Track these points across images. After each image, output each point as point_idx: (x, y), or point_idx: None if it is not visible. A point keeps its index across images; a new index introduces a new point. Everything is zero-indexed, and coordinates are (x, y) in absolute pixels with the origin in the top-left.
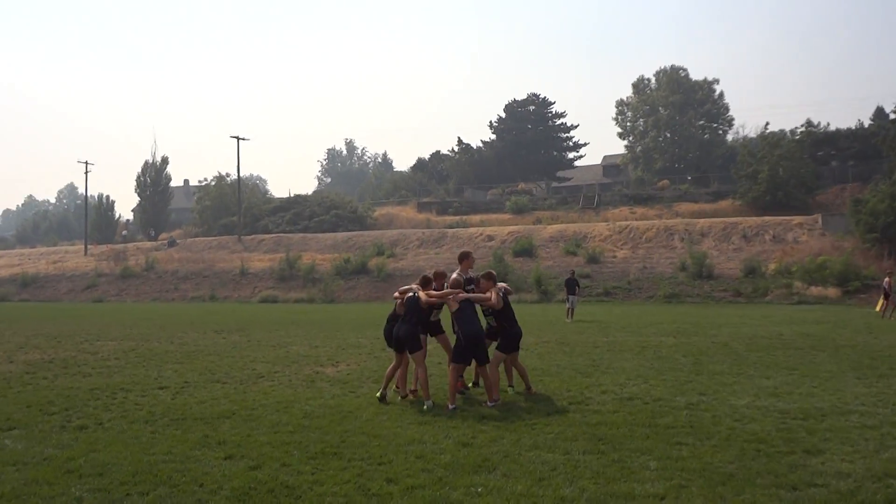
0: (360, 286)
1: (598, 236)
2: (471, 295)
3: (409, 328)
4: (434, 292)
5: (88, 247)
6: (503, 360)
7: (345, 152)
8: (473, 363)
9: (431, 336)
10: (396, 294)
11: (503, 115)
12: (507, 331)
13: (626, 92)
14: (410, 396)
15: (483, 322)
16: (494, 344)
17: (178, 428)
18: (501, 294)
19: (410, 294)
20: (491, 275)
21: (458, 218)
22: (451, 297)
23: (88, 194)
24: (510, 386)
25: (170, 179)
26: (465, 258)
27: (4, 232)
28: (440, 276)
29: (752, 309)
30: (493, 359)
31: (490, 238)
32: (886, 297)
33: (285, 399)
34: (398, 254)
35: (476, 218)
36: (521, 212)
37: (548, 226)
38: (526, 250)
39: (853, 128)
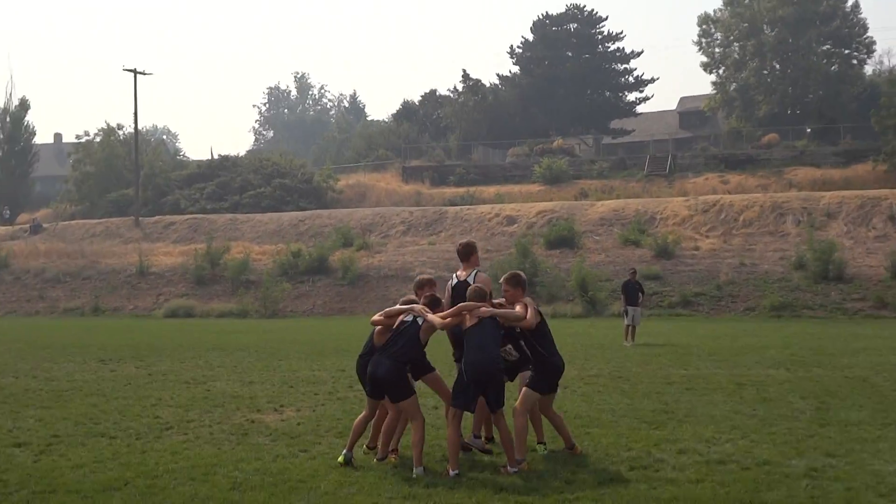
0: (317, 293)
1: (673, 218)
2: (498, 311)
3: (392, 366)
4: (450, 311)
5: None
6: (535, 403)
7: (294, 93)
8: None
9: (414, 378)
10: (378, 318)
11: (530, 37)
12: (543, 362)
13: (714, 4)
14: (391, 458)
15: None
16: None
17: None
18: (536, 309)
19: (407, 318)
20: (518, 278)
21: (462, 190)
22: (470, 311)
23: None
24: (540, 443)
25: (33, 134)
26: (470, 254)
27: None
28: (427, 285)
29: None
30: (521, 401)
31: (511, 220)
32: None
33: (204, 461)
34: (374, 244)
35: (490, 190)
36: (556, 181)
37: (597, 202)
38: (564, 239)
39: None
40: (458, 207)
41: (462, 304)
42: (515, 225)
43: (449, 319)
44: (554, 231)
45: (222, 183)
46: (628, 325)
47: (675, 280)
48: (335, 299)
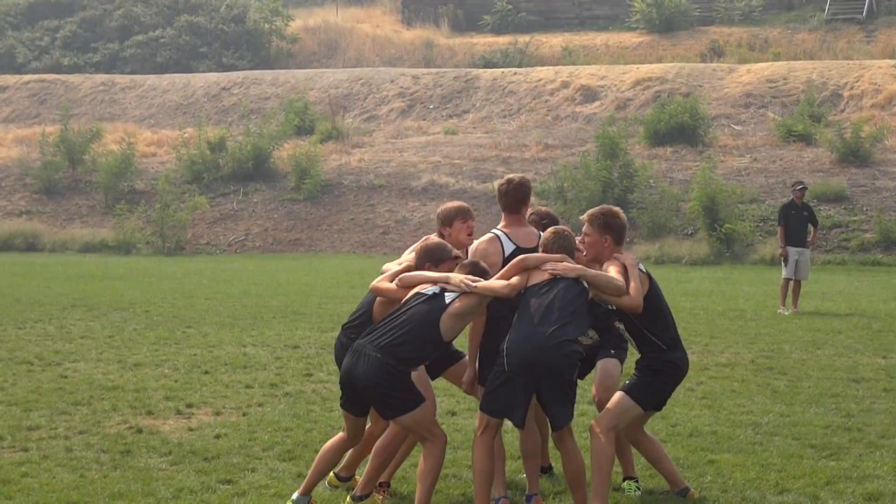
0: (252, 214)
1: (872, 95)
2: (589, 271)
3: (379, 364)
4: (512, 266)
5: None
6: (631, 421)
7: None
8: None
9: (434, 373)
10: (385, 284)
11: None
12: (657, 357)
13: None
14: (377, 498)
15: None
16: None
17: None
18: (644, 272)
19: (427, 289)
20: (611, 218)
21: (506, 41)
22: (553, 266)
23: None
24: (629, 478)
25: None
26: (524, 200)
27: None
28: (462, 218)
29: None
30: (611, 415)
31: (589, 95)
32: None
33: (56, 499)
34: (352, 132)
35: (554, 41)
36: (670, 27)
37: (739, 66)
38: (681, 130)
39: None
40: (497, 71)
41: (531, 255)
42: (597, 103)
43: (516, 281)
44: (664, 115)
45: (88, 20)
46: (788, 280)
47: (871, 204)
48: (283, 225)
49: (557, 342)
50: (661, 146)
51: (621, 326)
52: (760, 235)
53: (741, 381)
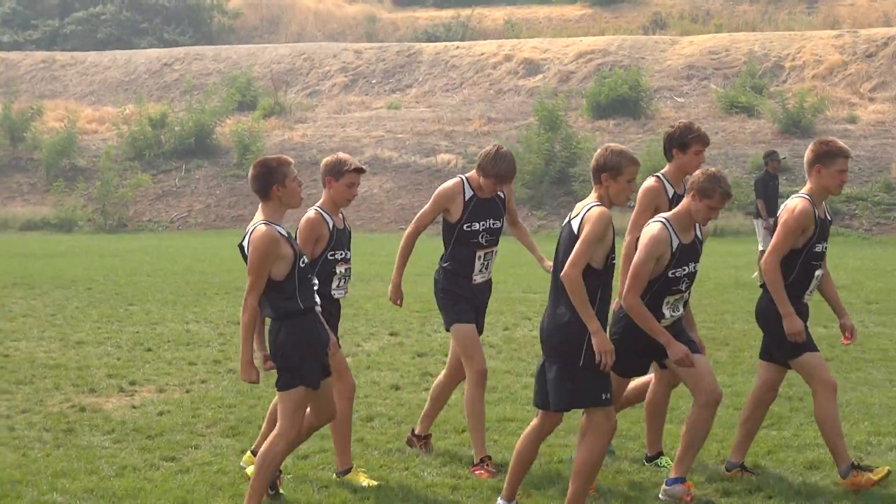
0: (195, 190)
1: (813, 66)
2: None
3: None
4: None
5: None
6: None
7: None
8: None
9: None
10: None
11: None
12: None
13: None
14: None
15: None
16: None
17: None
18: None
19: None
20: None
21: (449, 15)
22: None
23: None
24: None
25: None
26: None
27: None
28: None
29: None
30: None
31: (532, 68)
32: None
33: None
34: (294, 107)
35: (497, 15)
36: (612, 1)
37: (681, 38)
38: (624, 103)
39: None
40: (440, 45)
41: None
42: (539, 76)
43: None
44: (605, 88)
45: None
46: (763, 252)
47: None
48: (226, 202)
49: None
50: (603, 119)
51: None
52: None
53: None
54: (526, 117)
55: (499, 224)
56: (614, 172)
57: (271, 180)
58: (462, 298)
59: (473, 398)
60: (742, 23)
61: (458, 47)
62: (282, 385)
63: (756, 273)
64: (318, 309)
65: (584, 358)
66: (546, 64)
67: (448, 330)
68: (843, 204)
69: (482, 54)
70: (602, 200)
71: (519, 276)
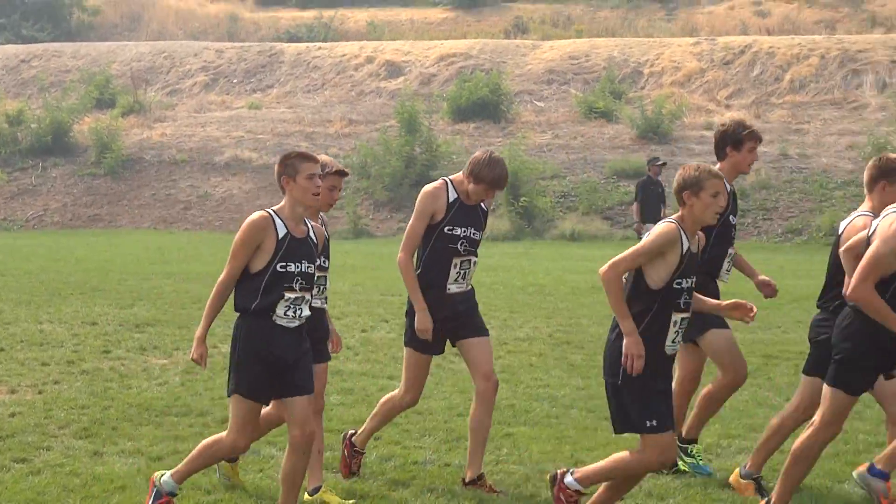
0: (51, 189)
1: (672, 72)
2: None
3: None
4: None
5: None
6: None
7: None
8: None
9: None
10: None
11: None
12: None
13: None
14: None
15: None
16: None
17: None
18: None
19: None
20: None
21: (311, 16)
22: None
23: None
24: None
25: None
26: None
27: None
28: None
29: None
30: None
31: (393, 70)
32: None
33: None
34: (154, 106)
35: (359, 17)
36: (475, 4)
37: (542, 42)
38: (484, 106)
39: None
40: (301, 45)
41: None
42: (401, 78)
43: None
44: (466, 91)
45: None
46: None
47: (668, 181)
48: (83, 201)
49: None
50: (464, 122)
51: None
52: (561, 211)
53: (539, 356)
54: (387, 119)
55: (479, 235)
56: (696, 189)
57: (281, 171)
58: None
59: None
60: (603, 29)
61: (319, 48)
62: (228, 388)
63: None
64: (294, 323)
65: (621, 377)
66: (408, 66)
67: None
68: None
69: (344, 56)
70: (684, 220)
71: (377, 279)
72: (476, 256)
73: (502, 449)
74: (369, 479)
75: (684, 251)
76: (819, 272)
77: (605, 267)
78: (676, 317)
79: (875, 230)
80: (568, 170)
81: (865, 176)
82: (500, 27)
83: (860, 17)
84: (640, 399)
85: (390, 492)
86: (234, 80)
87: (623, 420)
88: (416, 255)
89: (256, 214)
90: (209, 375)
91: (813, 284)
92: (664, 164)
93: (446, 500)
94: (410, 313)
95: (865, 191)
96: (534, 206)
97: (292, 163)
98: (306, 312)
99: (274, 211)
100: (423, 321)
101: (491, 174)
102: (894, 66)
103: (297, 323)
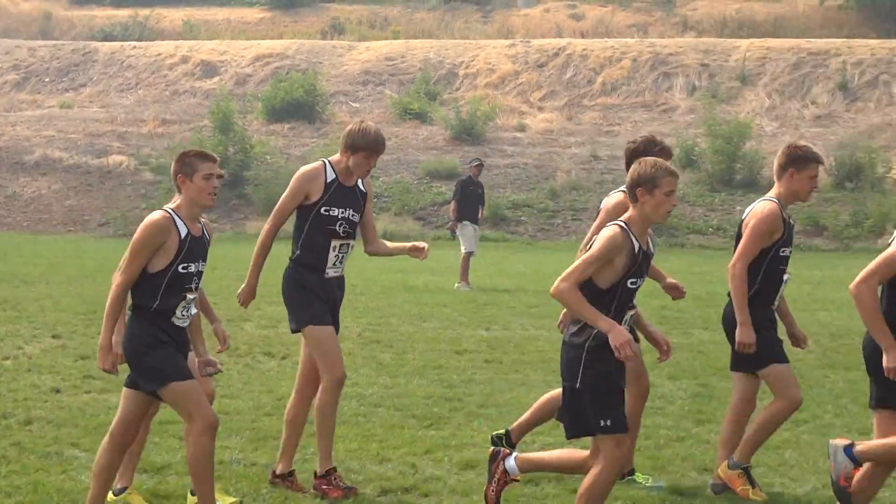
0: None
1: (486, 74)
2: None
3: None
4: None
5: None
6: None
7: None
8: None
9: None
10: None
11: None
12: None
13: None
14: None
15: None
16: None
17: None
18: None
19: None
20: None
21: (126, 14)
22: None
23: None
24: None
25: None
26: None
27: None
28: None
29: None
30: None
31: (208, 70)
32: None
33: None
34: None
35: (175, 16)
36: (292, 5)
37: (358, 43)
38: (300, 107)
39: None
40: (116, 44)
41: None
42: (216, 78)
43: None
44: (282, 91)
45: None
46: (470, 254)
47: (488, 181)
48: None
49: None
50: (278, 122)
51: None
52: (375, 211)
53: (348, 354)
54: (201, 119)
55: (357, 217)
56: (650, 186)
57: (178, 170)
58: (316, 297)
59: (326, 405)
60: (419, 30)
61: (134, 47)
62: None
63: (464, 283)
64: (186, 322)
65: (580, 380)
66: (223, 66)
67: (297, 331)
68: (510, 210)
69: (159, 55)
70: (631, 220)
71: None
72: (354, 240)
73: (308, 449)
74: (174, 479)
75: (636, 251)
76: None
77: (557, 282)
78: (628, 315)
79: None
80: (381, 171)
81: (775, 164)
82: (317, 28)
83: (672, 20)
84: (599, 400)
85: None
86: (46, 79)
87: (580, 423)
88: (294, 242)
89: (157, 214)
90: (13, 377)
91: None
92: (482, 164)
93: (250, 499)
94: (293, 297)
95: (775, 178)
96: None
97: (190, 161)
98: (194, 310)
99: (172, 210)
100: (248, 296)
101: (366, 139)
102: (704, 69)
103: (188, 322)
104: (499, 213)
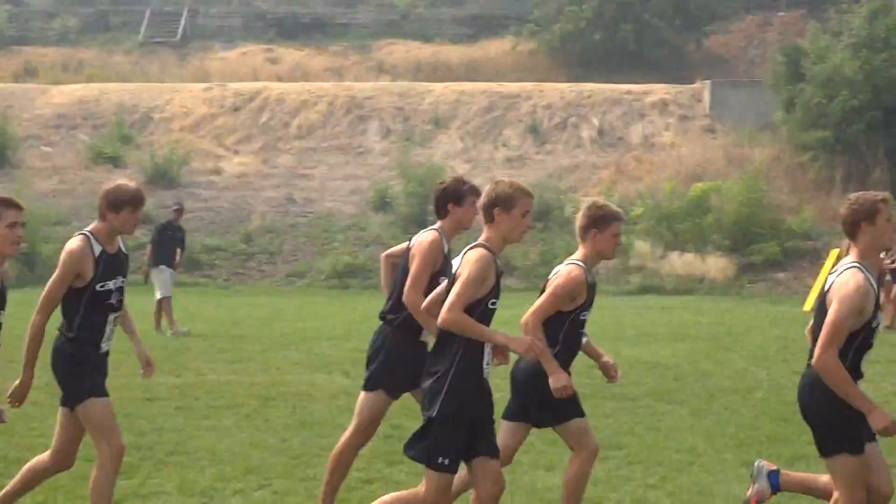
0: None
1: (182, 117)
2: None
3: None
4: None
5: None
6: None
7: None
8: None
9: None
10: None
11: None
12: None
13: None
14: None
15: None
16: None
17: None
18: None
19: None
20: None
21: None
22: None
23: None
24: None
25: None
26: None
27: None
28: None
29: None
30: None
31: None
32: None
33: None
34: None
35: None
36: None
37: (52, 87)
38: None
39: None
40: None
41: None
42: None
43: None
44: None
45: None
46: (166, 298)
47: (187, 224)
48: None
49: None
50: None
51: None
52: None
53: (33, 404)
54: None
55: (124, 283)
56: (507, 206)
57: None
58: (95, 369)
59: (110, 477)
60: (115, 74)
61: None
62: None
63: (172, 328)
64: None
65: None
66: None
67: (73, 406)
68: (204, 254)
69: None
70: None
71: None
72: (123, 309)
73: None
74: None
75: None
76: (322, 314)
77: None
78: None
79: (830, 288)
80: (74, 215)
81: (577, 225)
82: (10, 71)
83: (367, 64)
84: (446, 435)
85: None
86: None
87: (424, 450)
88: (67, 321)
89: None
90: None
91: (315, 326)
92: (182, 209)
93: None
94: (65, 369)
95: (578, 239)
96: (39, 253)
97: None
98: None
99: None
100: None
101: (129, 192)
102: (399, 112)
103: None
104: (193, 257)
